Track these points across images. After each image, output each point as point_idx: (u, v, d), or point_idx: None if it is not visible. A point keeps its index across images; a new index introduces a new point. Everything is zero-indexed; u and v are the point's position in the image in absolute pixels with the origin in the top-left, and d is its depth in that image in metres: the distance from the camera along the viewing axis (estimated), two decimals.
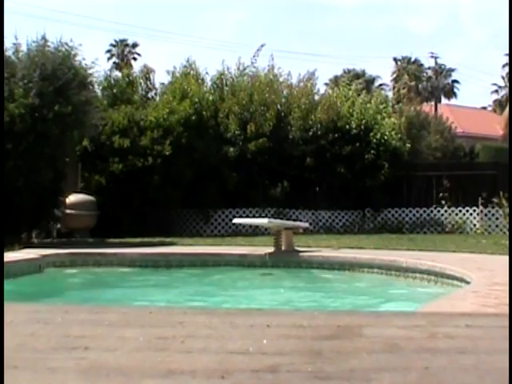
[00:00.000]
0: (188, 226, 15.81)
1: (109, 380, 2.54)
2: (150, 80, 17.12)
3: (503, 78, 52.15)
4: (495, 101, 54.77)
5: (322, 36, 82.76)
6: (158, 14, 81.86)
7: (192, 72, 16.87)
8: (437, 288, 7.14)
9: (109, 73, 16.41)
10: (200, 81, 16.78)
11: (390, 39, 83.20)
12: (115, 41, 53.30)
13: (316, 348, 3.05)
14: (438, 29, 79.81)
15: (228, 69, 17.14)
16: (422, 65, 53.18)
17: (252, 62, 17.17)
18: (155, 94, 17.20)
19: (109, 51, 52.93)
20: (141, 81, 17.01)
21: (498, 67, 53.71)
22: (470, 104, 57.13)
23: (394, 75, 52.95)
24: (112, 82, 16.44)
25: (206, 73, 17.11)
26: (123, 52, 53.42)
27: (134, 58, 52.91)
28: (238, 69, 17.12)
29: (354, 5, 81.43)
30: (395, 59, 53.52)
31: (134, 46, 53.81)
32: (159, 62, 74.72)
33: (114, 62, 48.15)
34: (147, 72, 17.26)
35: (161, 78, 17.83)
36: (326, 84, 29.37)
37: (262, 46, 17.25)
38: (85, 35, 45.81)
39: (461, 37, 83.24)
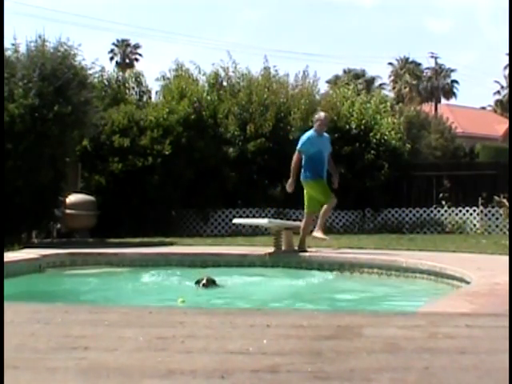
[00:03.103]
0: (188, 226, 15.81)
1: (109, 380, 2.54)
2: (141, 84, 17.15)
3: (505, 77, 52.25)
4: (497, 101, 54.84)
5: (322, 36, 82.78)
6: (160, 15, 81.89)
7: (183, 74, 16.90)
8: (437, 288, 7.14)
9: (100, 73, 16.36)
10: (195, 81, 16.82)
11: (392, 40, 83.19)
12: (117, 41, 53.45)
13: (316, 348, 3.05)
14: (442, 30, 79.86)
15: (227, 68, 17.16)
16: (419, 64, 53.21)
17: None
18: (149, 97, 17.23)
19: (112, 51, 53.09)
20: (133, 85, 17.05)
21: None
22: (471, 104, 57.15)
23: (393, 76, 52.99)
24: (105, 83, 16.47)
25: (199, 72, 17.15)
26: (125, 52, 53.59)
27: (136, 59, 53.09)
28: (228, 68, 17.12)
29: (352, 5, 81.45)
30: (398, 60, 53.56)
31: (136, 46, 53.99)
32: (162, 63, 74.73)
33: (117, 62, 48.31)
34: (137, 76, 17.30)
35: (156, 81, 17.81)
36: (328, 82, 29.32)
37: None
38: (88, 36, 45.81)
39: (466, 38, 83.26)
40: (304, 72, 17.58)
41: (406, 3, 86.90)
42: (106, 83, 16.52)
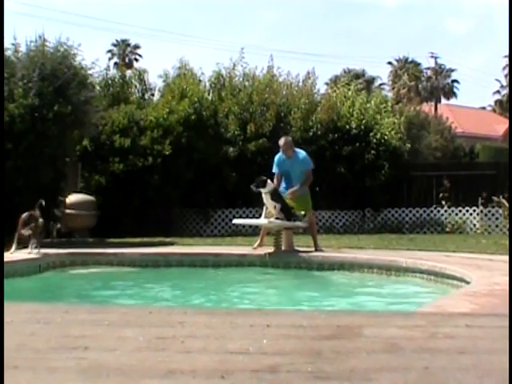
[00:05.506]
0: (188, 226, 15.81)
1: (109, 380, 2.55)
2: (144, 81, 17.13)
3: (506, 76, 52.26)
4: (496, 101, 54.81)
5: (322, 36, 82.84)
6: (160, 15, 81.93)
7: (186, 72, 16.89)
8: (437, 288, 7.14)
9: (105, 72, 16.46)
10: (197, 81, 16.80)
11: (392, 40, 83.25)
12: (116, 41, 53.31)
13: (316, 348, 3.05)
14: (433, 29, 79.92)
15: (227, 68, 17.18)
16: (419, 64, 53.17)
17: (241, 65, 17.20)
18: (152, 94, 17.20)
19: (110, 51, 52.95)
20: (136, 83, 17.03)
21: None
22: (471, 104, 57.09)
23: (391, 76, 52.94)
24: (109, 82, 16.47)
25: (202, 73, 17.15)
26: (124, 52, 53.43)
27: (136, 59, 52.95)
28: (234, 67, 17.12)
29: (352, 5, 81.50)
30: (397, 60, 53.51)
31: (136, 46, 53.84)
32: (161, 63, 74.78)
33: (115, 63, 48.16)
34: (140, 73, 17.28)
35: (159, 78, 17.74)
36: (327, 84, 29.32)
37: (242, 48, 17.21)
38: (86, 35, 45.80)
39: (467, 38, 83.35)
40: (308, 72, 17.63)
41: (408, 3, 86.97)
42: (110, 82, 16.50)
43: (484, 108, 54.44)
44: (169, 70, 17.18)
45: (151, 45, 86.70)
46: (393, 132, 16.98)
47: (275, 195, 9.27)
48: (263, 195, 9.26)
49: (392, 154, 16.74)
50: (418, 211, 16.66)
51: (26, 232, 8.75)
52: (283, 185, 9.71)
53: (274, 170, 9.74)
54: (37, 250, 8.75)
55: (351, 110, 17.07)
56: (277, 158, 9.77)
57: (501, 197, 15.50)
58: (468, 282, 6.28)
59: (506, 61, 49.48)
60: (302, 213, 9.71)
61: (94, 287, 7.99)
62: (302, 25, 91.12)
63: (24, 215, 8.83)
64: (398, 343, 3.15)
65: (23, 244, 8.86)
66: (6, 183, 11.07)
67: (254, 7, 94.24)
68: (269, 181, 9.31)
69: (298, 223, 10.11)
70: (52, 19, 70.82)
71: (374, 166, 16.38)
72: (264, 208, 9.42)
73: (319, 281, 8.37)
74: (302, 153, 9.79)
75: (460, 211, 16.44)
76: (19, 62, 12.11)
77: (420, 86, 52.11)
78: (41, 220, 8.78)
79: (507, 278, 5.90)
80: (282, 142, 9.76)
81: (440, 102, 50.75)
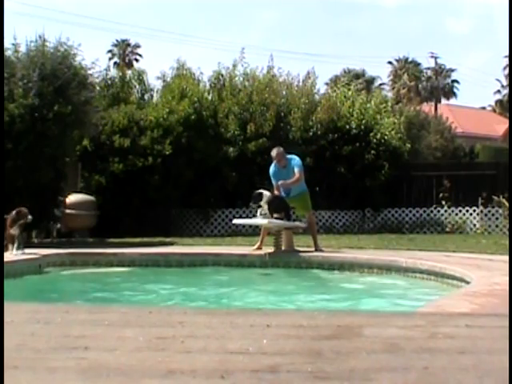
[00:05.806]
0: (188, 226, 15.81)
1: (109, 380, 2.54)
2: (143, 82, 17.12)
3: (506, 76, 52.26)
4: (497, 101, 54.78)
5: (322, 36, 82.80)
6: (160, 15, 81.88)
7: (184, 72, 16.88)
8: (436, 288, 7.14)
9: (105, 72, 16.46)
10: (196, 81, 16.79)
11: (392, 40, 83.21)
12: (117, 41, 53.21)
13: (316, 348, 3.05)
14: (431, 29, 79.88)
15: (227, 68, 17.18)
16: (419, 64, 53.15)
17: (242, 65, 17.19)
18: (151, 95, 17.19)
19: (110, 51, 52.84)
20: (135, 83, 17.02)
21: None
22: (472, 104, 57.07)
23: (391, 76, 52.90)
24: (109, 82, 16.46)
25: (201, 73, 17.15)
26: (124, 52, 53.32)
27: (136, 59, 52.86)
28: (234, 67, 17.12)
29: (352, 5, 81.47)
30: (397, 60, 53.48)
31: (136, 46, 53.74)
32: (161, 63, 74.76)
33: (115, 62, 48.07)
34: (140, 74, 17.27)
35: (157, 80, 17.71)
36: (327, 84, 29.31)
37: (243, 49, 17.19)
38: (86, 35, 45.76)
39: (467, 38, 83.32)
40: (308, 72, 17.63)
41: (408, 3, 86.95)
42: (109, 82, 16.50)
43: (484, 108, 54.43)
44: (166, 71, 17.20)
45: (151, 45, 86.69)
46: (393, 132, 16.98)
47: (274, 201, 9.33)
48: (265, 205, 9.32)
49: (392, 154, 16.74)
50: (418, 211, 16.67)
51: (14, 231, 8.65)
52: (282, 192, 9.73)
53: (273, 182, 9.75)
54: (21, 251, 8.58)
55: (351, 110, 17.07)
56: (272, 170, 9.75)
57: (501, 197, 15.51)
58: (468, 282, 6.28)
59: (506, 61, 49.48)
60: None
61: (94, 287, 7.98)
62: (302, 25, 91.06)
63: (12, 213, 8.71)
64: (397, 343, 3.15)
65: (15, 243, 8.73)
66: (6, 183, 11.07)
67: (254, 7, 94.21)
68: (263, 192, 9.38)
69: (298, 223, 10.12)
70: (52, 19, 70.72)
71: (374, 166, 16.38)
72: (266, 210, 9.44)
73: (319, 281, 8.37)
74: (294, 158, 9.72)
75: (460, 211, 16.44)
76: (19, 62, 12.10)
77: (420, 86, 52.09)
78: (29, 217, 8.67)
79: (507, 278, 5.89)
80: (274, 153, 9.73)
81: (440, 101, 50.73)
